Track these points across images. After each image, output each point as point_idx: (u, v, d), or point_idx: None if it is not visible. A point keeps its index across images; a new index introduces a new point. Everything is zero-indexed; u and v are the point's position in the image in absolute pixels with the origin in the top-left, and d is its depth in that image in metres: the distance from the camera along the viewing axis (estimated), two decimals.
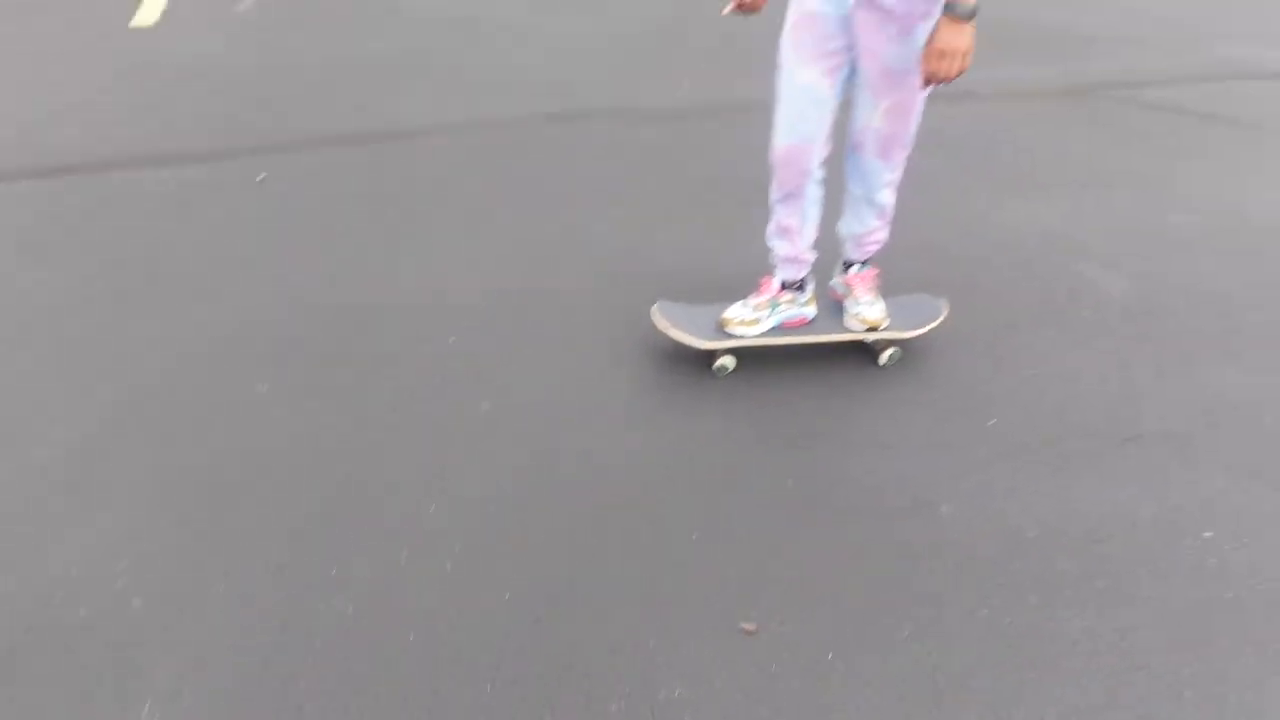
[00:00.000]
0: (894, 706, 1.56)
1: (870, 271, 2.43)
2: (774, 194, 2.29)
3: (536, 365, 2.45)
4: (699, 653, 1.64)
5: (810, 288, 2.43)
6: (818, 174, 2.24)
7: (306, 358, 2.45)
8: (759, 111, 2.37)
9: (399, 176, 3.56)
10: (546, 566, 1.83)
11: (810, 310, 2.44)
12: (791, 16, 2.09)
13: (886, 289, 2.48)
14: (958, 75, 1.93)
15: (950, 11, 1.87)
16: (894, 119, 2.12)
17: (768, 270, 2.41)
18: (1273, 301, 2.90)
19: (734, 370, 2.38)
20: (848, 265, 2.44)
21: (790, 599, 1.77)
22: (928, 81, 1.98)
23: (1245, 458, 2.21)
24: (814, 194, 2.28)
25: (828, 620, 1.72)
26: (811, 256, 2.38)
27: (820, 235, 2.37)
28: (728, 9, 2.17)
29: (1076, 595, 1.80)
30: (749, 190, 2.62)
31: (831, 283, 2.51)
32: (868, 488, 2.07)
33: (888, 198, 2.29)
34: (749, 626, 1.70)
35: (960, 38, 1.88)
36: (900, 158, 2.22)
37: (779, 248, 2.36)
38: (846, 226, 2.39)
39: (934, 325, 2.48)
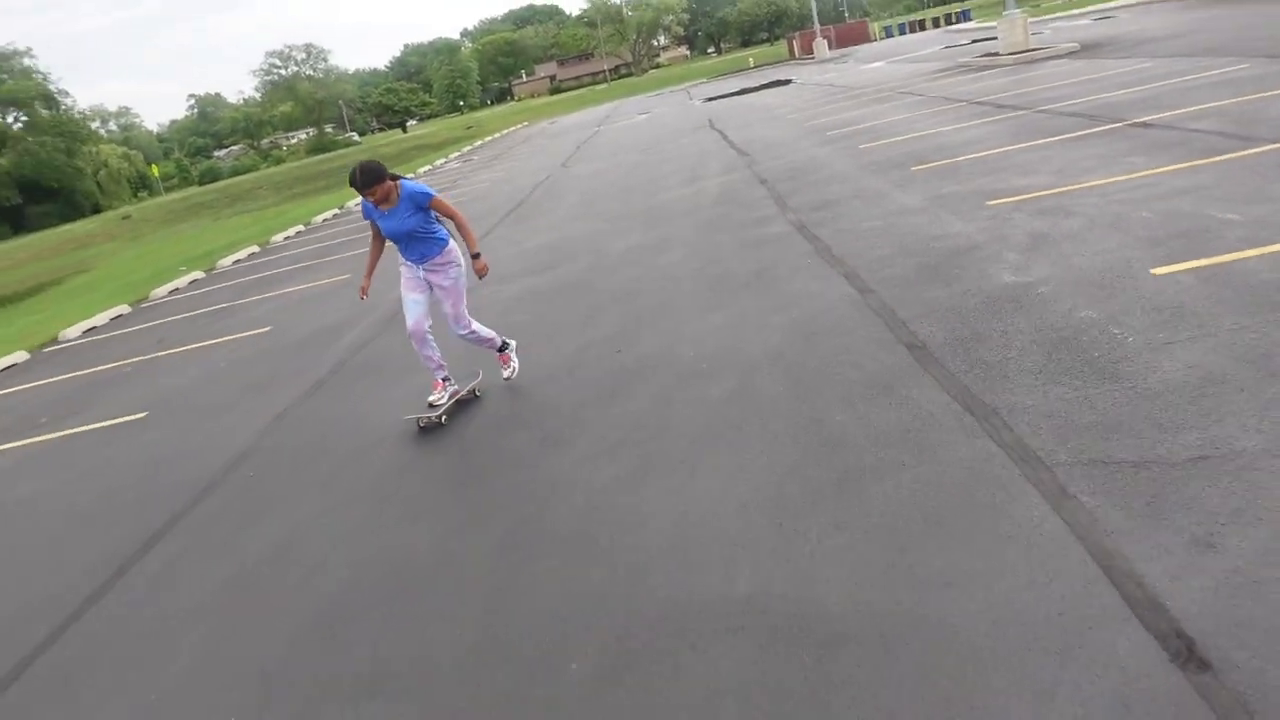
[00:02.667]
0: None
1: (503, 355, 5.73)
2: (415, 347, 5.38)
3: None
4: None
5: (451, 381, 5.52)
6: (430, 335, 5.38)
7: None
8: None
9: None
10: None
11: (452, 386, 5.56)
12: (401, 274, 5.33)
13: None
14: (486, 274, 5.28)
15: (474, 257, 5.19)
16: (454, 308, 5.35)
17: (432, 380, 5.45)
18: None
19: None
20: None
21: None
22: (480, 277, 5.27)
23: None
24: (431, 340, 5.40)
25: None
26: (445, 362, 5.46)
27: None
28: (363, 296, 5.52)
29: None
30: None
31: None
32: None
33: (472, 338, 5.50)
34: None
35: (480, 263, 5.22)
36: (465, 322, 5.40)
37: (431, 368, 5.41)
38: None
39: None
